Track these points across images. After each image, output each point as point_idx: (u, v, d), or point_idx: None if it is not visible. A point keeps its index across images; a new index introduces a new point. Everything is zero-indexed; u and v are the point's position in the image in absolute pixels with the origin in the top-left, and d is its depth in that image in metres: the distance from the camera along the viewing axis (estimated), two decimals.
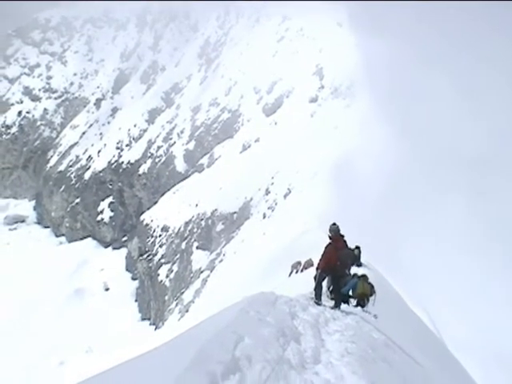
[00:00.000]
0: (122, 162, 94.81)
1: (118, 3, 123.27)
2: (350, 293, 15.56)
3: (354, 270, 18.58)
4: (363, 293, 15.41)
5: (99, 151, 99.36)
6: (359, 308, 15.02)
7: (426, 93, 60.93)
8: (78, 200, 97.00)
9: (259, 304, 9.00)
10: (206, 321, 7.89)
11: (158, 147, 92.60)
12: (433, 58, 65.67)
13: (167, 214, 79.40)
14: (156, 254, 77.84)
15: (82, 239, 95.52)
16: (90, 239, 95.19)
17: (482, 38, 63.33)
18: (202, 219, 71.49)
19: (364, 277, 15.95)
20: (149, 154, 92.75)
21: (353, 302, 15.60)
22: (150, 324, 73.13)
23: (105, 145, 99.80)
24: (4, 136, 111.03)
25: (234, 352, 5.49)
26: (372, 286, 15.64)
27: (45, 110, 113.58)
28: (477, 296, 37.62)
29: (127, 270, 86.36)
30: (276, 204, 59.66)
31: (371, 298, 15.50)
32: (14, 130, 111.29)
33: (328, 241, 13.70)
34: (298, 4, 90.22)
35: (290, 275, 24.93)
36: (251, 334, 6.46)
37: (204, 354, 5.03)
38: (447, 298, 36.55)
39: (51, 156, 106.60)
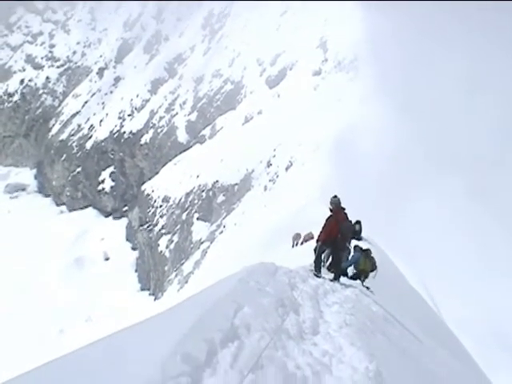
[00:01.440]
0: (124, 132, 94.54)
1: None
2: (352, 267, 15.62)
3: (354, 243, 18.56)
4: (364, 269, 15.44)
5: (101, 121, 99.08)
6: (358, 281, 15.05)
7: (430, 70, 60.48)
8: (79, 169, 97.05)
9: (259, 274, 9.00)
10: (205, 290, 7.88)
11: (160, 118, 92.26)
12: (441, 35, 64.86)
13: (168, 184, 79.43)
14: (156, 225, 78.12)
15: (82, 208, 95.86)
16: (90, 208, 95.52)
17: (496, 18, 62.31)
18: (202, 190, 71.60)
19: (367, 251, 15.92)
20: (151, 125, 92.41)
21: (350, 272, 15.63)
22: (150, 294, 73.65)
23: (107, 114, 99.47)
24: (6, 104, 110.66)
25: (233, 320, 5.51)
26: (374, 262, 15.64)
27: (47, 78, 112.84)
28: (477, 275, 37.79)
29: (127, 239, 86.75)
30: (277, 176, 59.70)
31: (371, 274, 15.51)
32: (16, 98, 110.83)
33: (329, 214, 13.66)
34: None
35: (293, 246, 25.20)
36: (250, 303, 6.46)
37: (203, 321, 5.03)
38: (447, 276, 36.69)
39: (53, 125, 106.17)
